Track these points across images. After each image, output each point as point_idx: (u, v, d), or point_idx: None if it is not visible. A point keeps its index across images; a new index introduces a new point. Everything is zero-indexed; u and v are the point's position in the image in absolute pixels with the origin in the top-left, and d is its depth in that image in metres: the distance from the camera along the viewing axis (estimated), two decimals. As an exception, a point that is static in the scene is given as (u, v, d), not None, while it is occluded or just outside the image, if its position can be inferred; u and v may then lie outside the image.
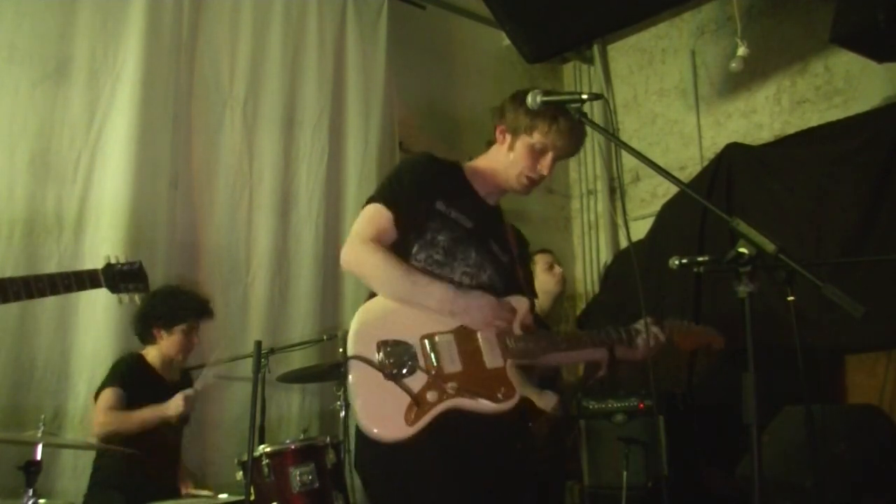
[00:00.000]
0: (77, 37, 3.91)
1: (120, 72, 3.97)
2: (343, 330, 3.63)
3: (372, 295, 2.13)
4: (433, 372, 2.02)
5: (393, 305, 2.08)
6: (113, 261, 2.65)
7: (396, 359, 1.98)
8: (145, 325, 3.53)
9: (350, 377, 1.98)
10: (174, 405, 3.28)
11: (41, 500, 2.64)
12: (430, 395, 1.98)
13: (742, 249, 1.75)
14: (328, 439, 3.17)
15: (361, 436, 2.02)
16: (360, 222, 2.15)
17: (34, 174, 3.71)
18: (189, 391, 3.34)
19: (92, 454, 3.45)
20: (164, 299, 3.51)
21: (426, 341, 2.05)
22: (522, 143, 2.21)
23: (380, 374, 1.97)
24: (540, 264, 3.99)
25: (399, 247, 2.13)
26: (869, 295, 3.98)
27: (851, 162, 4.59)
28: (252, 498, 2.95)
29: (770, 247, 1.71)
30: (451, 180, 2.25)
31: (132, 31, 4.02)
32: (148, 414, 3.28)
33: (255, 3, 4.53)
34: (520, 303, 2.22)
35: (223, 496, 3.15)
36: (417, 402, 1.96)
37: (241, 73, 4.42)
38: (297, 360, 4.03)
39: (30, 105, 3.75)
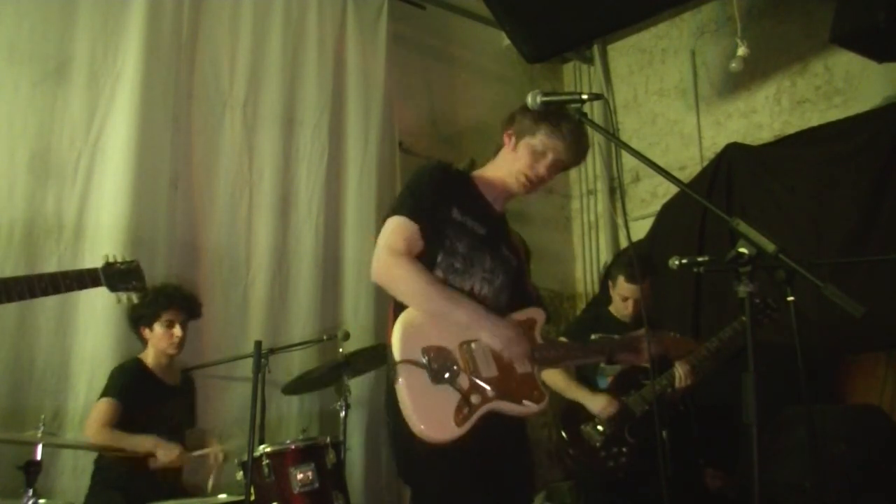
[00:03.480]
0: (77, 37, 3.90)
1: (120, 72, 3.97)
2: (343, 329, 3.70)
3: (395, 301, 2.21)
4: (473, 376, 2.12)
5: (428, 315, 2.16)
6: (111, 259, 2.67)
7: (441, 363, 2.08)
8: (134, 328, 3.54)
9: (399, 381, 2.05)
10: (167, 455, 3.23)
11: (41, 500, 2.64)
12: (474, 398, 2.09)
13: (742, 249, 1.75)
14: (328, 439, 3.17)
15: (403, 443, 2.09)
16: (388, 235, 2.21)
17: (34, 174, 3.70)
18: (194, 454, 3.34)
19: (92, 454, 3.44)
20: (144, 299, 3.41)
21: (465, 347, 2.15)
22: (525, 143, 2.34)
23: (426, 379, 2.06)
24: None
25: (424, 257, 2.21)
26: (869, 295, 4.00)
27: (851, 162, 4.59)
28: (252, 498, 2.95)
29: (770, 247, 1.71)
30: (463, 188, 2.36)
31: (132, 31, 4.01)
32: (141, 443, 3.23)
33: (255, 3, 4.52)
34: (538, 314, 2.39)
35: (223, 496, 3.14)
36: (467, 403, 2.06)
37: (241, 73, 4.42)
38: (298, 359, 4.03)
39: (30, 105, 3.74)
